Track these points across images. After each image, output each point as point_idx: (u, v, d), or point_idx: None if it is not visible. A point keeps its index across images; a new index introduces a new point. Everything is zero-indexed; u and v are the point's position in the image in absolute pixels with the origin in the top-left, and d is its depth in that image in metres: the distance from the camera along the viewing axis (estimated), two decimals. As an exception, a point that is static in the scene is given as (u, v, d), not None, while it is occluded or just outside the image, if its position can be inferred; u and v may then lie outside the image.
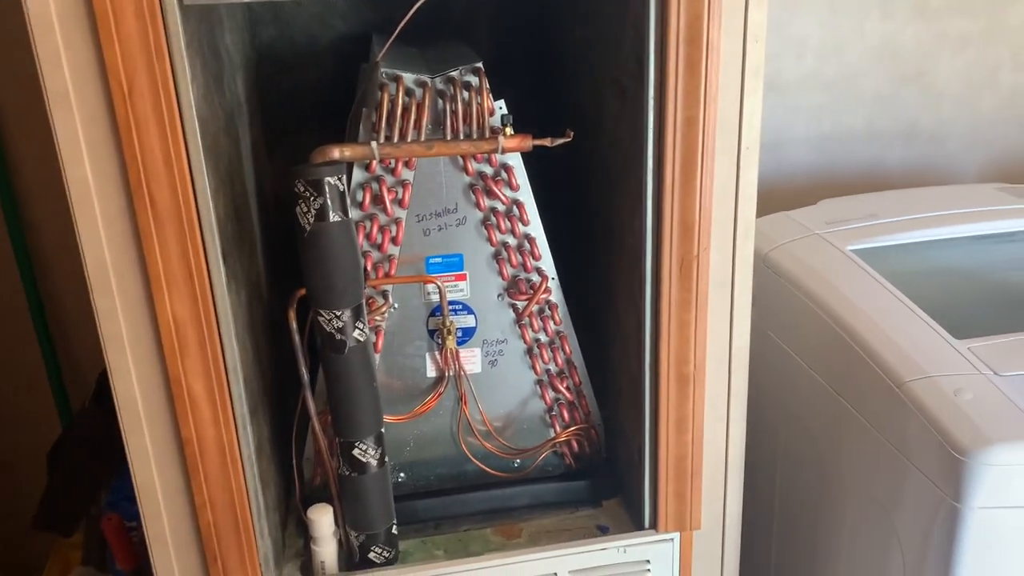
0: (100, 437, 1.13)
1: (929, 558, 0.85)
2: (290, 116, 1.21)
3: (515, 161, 0.91)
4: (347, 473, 0.88)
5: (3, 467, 1.42)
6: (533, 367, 0.99)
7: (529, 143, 0.87)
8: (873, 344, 0.89)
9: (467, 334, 0.97)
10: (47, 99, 0.69)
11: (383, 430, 0.89)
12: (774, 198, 1.32)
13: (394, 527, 0.92)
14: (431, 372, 0.98)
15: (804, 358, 0.99)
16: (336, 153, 0.82)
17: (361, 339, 0.84)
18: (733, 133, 0.81)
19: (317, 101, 1.20)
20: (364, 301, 0.85)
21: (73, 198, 0.72)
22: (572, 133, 0.87)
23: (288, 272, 1.11)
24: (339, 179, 0.80)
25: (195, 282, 0.76)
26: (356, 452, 0.87)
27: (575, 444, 1.02)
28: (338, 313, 0.82)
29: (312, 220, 0.79)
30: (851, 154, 1.46)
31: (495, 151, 0.86)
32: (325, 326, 0.83)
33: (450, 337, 0.95)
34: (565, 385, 1.00)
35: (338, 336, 0.83)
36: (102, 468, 1.13)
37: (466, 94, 0.87)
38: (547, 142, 0.87)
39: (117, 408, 0.80)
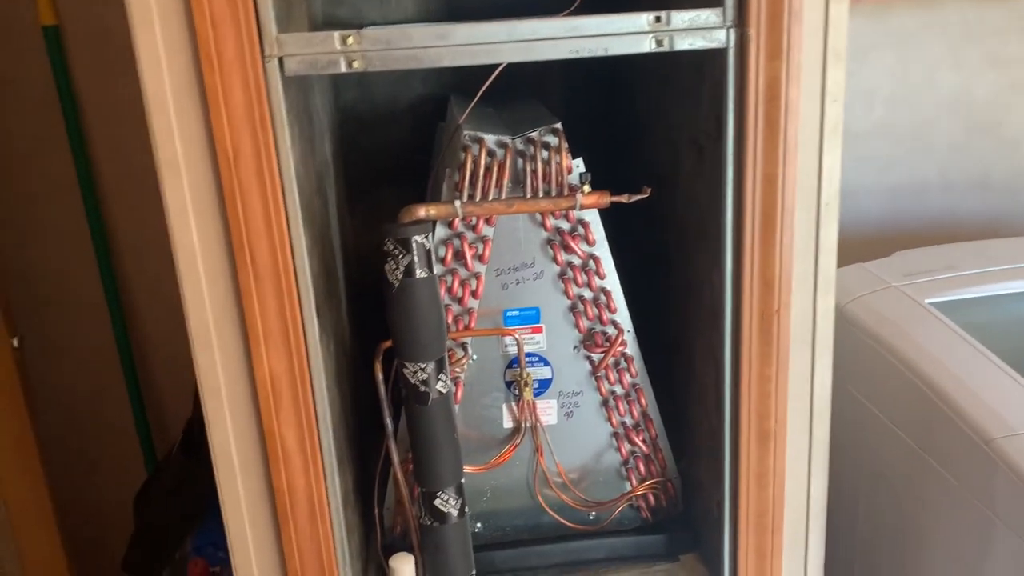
0: (186, 485, 1.17)
1: (1022, 620, 0.83)
2: (369, 174, 1.26)
3: (592, 216, 0.94)
4: (429, 523, 0.90)
5: (91, 513, 1.48)
6: (609, 419, 1.00)
7: (607, 200, 0.89)
8: (958, 400, 0.88)
9: (543, 386, 0.99)
10: (159, 168, 0.73)
11: (463, 480, 0.91)
12: (846, 249, 1.31)
13: (473, 577, 0.93)
14: (507, 423, 1.00)
15: (885, 413, 0.98)
16: (422, 212, 0.86)
17: (444, 391, 0.87)
18: (812, 189, 0.82)
19: (395, 159, 1.25)
20: (446, 354, 0.87)
21: (180, 262, 0.76)
22: (649, 190, 0.89)
23: (367, 325, 1.15)
24: (426, 237, 0.83)
25: (291, 337, 0.79)
26: (438, 502, 0.89)
27: (651, 498, 1.02)
28: (423, 366, 0.85)
29: (400, 276, 0.82)
30: (924, 205, 1.46)
31: (573, 207, 0.89)
32: (410, 378, 0.86)
33: (527, 389, 0.97)
34: (641, 438, 1.00)
35: (422, 388, 0.86)
36: (188, 514, 1.17)
37: (545, 153, 0.90)
38: (624, 198, 0.89)
39: (213, 458, 0.83)
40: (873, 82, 1.38)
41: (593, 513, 1.02)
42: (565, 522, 1.01)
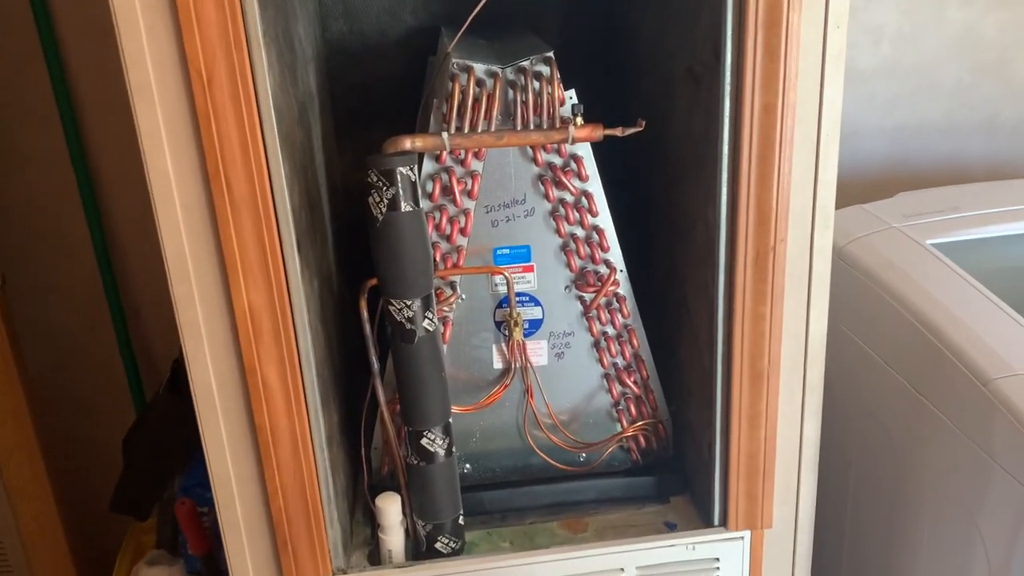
0: (174, 424, 1.15)
1: (1016, 560, 0.81)
2: (358, 110, 1.22)
3: (584, 151, 0.90)
4: (415, 462, 0.89)
5: (79, 452, 1.47)
6: (600, 360, 0.98)
7: (600, 132, 0.86)
8: (957, 340, 0.86)
9: (534, 326, 0.97)
10: (130, 91, 0.70)
11: (451, 420, 0.89)
12: (848, 189, 1.28)
13: (461, 517, 0.92)
14: (497, 364, 0.98)
15: (882, 354, 0.96)
16: (408, 143, 0.83)
17: (430, 329, 0.85)
18: (812, 121, 0.79)
19: (385, 94, 1.21)
20: (433, 292, 0.85)
21: (154, 188, 0.74)
22: (644, 122, 0.86)
23: (354, 263, 1.12)
24: (411, 169, 0.80)
25: (270, 270, 0.77)
26: (424, 441, 0.88)
27: (642, 439, 1.01)
28: (408, 303, 0.83)
29: (384, 210, 0.79)
30: (928, 146, 1.42)
31: (566, 141, 0.86)
32: (395, 315, 0.83)
33: (517, 329, 0.95)
34: (632, 379, 0.99)
35: (408, 325, 0.83)
36: (176, 454, 1.16)
37: (536, 84, 0.86)
38: (618, 132, 0.86)
39: (193, 396, 0.81)
40: (881, 18, 1.34)
41: (583, 455, 1.01)
42: (554, 463, 1.00)
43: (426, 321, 0.84)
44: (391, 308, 0.83)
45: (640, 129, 0.86)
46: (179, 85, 0.70)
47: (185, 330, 0.79)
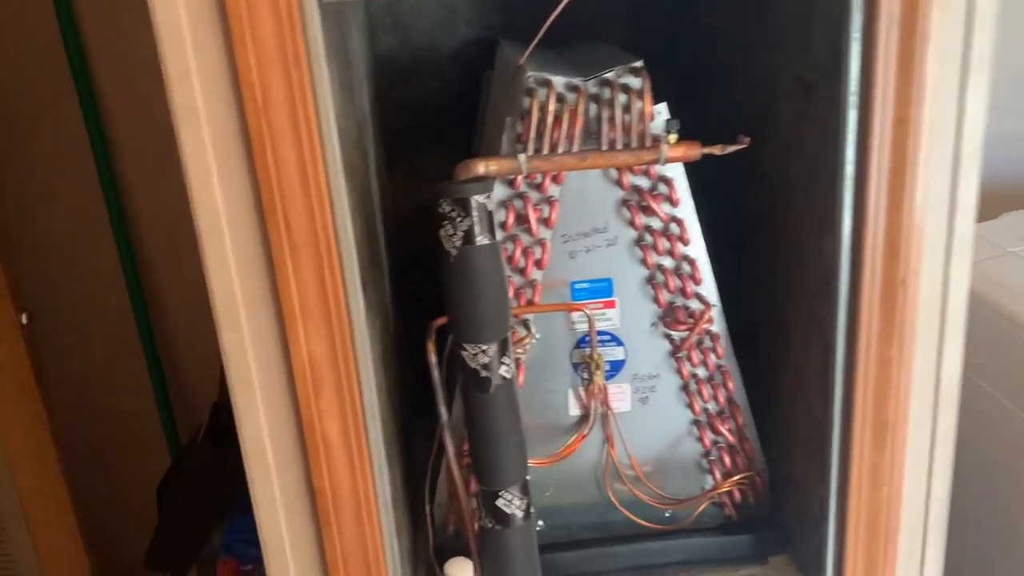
0: (214, 476, 1.06)
1: None
2: (408, 129, 1.14)
3: (676, 172, 0.81)
4: (489, 525, 0.79)
5: (111, 499, 1.38)
6: (690, 405, 0.88)
7: (698, 151, 0.76)
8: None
9: (615, 368, 0.87)
10: (173, 114, 0.61)
11: (528, 477, 0.79)
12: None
13: (540, 586, 0.82)
14: (574, 410, 0.88)
15: (1013, 401, 0.85)
16: (481, 168, 0.73)
17: (508, 376, 0.75)
18: (950, 135, 0.69)
19: (438, 113, 1.13)
20: (510, 334, 0.75)
21: (200, 225, 0.65)
22: (748, 140, 0.76)
23: (408, 298, 1.03)
24: (487, 198, 0.70)
25: (332, 316, 0.68)
26: (500, 502, 0.78)
27: (736, 493, 0.90)
28: (484, 348, 0.73)
29: (459, 244, 0.70)
30: (1018, 159, 1.31)
31: (658, 161, 0.76)
32: (469, 361, 0.74)
33: (598, 372, 0.85)
34: (727, 427, 0.88)
35: (483, 373, 0.74)
36: (216, 507, 1.06)
37: (624, 98, 0.77)
38: (717, 150, 0.76)
39: (243, 455, 0.72)
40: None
41: (669, 511, 0.90)
42: (638, 520, 0.90)
43: (503, 367, 0.74)
44: (464, 353, 0.74)
45: (744, 146, 0.76)
46: (230, 107, 0.61)
47: (235, 384, 0.69)
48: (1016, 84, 1.28)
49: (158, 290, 1.30)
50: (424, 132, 1.14)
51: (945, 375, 0.75)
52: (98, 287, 1.28)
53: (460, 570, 0.81)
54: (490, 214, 0.71)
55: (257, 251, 0.66)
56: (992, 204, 1.14)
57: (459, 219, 0.69)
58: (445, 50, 1.12)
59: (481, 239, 0.70)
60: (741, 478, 0.89)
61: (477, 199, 0.70)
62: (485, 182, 0.71)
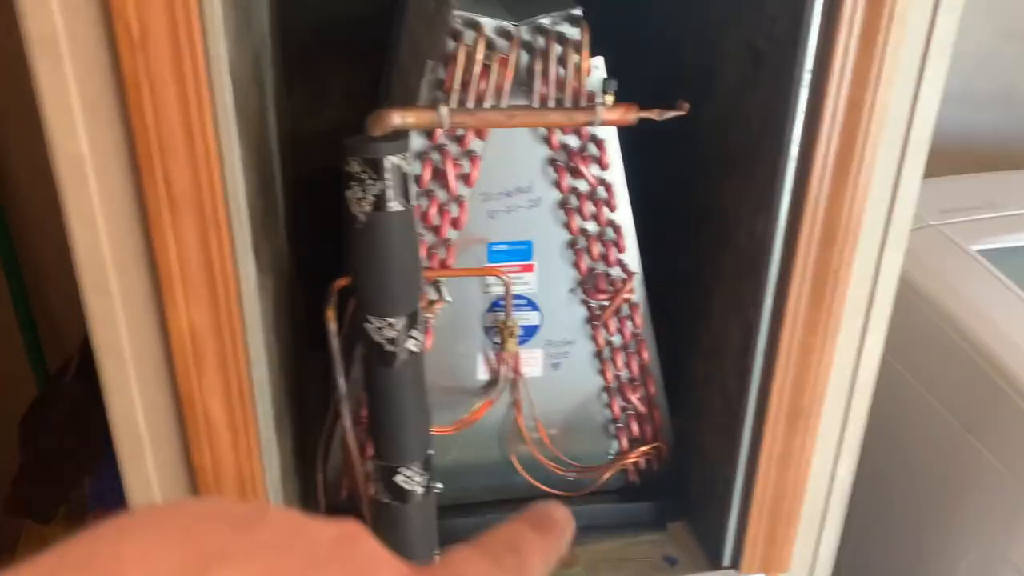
0: (83, 414, 0.97)
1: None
2: (311, 44, 1.02)
3: (608, 134, 0.74)
4: (386, 501, 0.74)
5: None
6: (603, 372, 0.84)
7: (635, 115, 0.69)
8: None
9: (529, 333, 0.82)
10: (28, 48, 0.50)
11: (431, 452, 0.74)
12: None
13: (436, 558, 0.79)
14: (483, 375, 0.83)
15: (925, 384, 0.85)
16: (397, 120, 0.65)
17: (415, 349, 0.69)
18: (902, 122, 0.65)
19: (348, 27, 1.01)
20: (420, 305, 0.69)
21: (62, 174, 0.54)
22: (687, 106, 0.70)
23: (301, 230, 0.94)
24: (403, 158, 0.62)
25: (218, 282, 0.59)
26: (400, 479, 0.73)
27: (642, 461, 0.88)
28: (391, 321, 0.66)
29: (368, 209, 0.62)
30: (941, 117, 1.29)
31: (592, 123, 0.69)
32: (373, 335, 0.67)
33: (511, 339, 0.80)
34: (638, 395, 0.85)
35: (388, 347, 0.67)
36: (86, 450, 0.98)
37: (559, 49, 0.69)
38: (655, 115, 0.70)
39: (113, 430, 0.64)
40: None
41: (573, 474, 0.88)
42: (539, 484, 0.87)
43: (410, 342, 0.68)
44: (368, 326, 0.67)
45: (683, 113, 0.70)
46: (100, 43, 0.51)
47: (103, 354, 0.61)
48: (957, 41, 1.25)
49: (22, 203, 1.17)
50: (330, 49, 1.02)
51: (864, 365, 0.74)
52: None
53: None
54: (405, 176, 0.63)
55: (130, 207, 0.57)
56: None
57: (370, 181, 0.61)
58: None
59: (394, 204, 0.63)
60: (647, 449, 0.86)
61: (391, 159, 0.62)
62: (400, 140, 0.63)
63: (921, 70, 0.63)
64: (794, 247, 0.67)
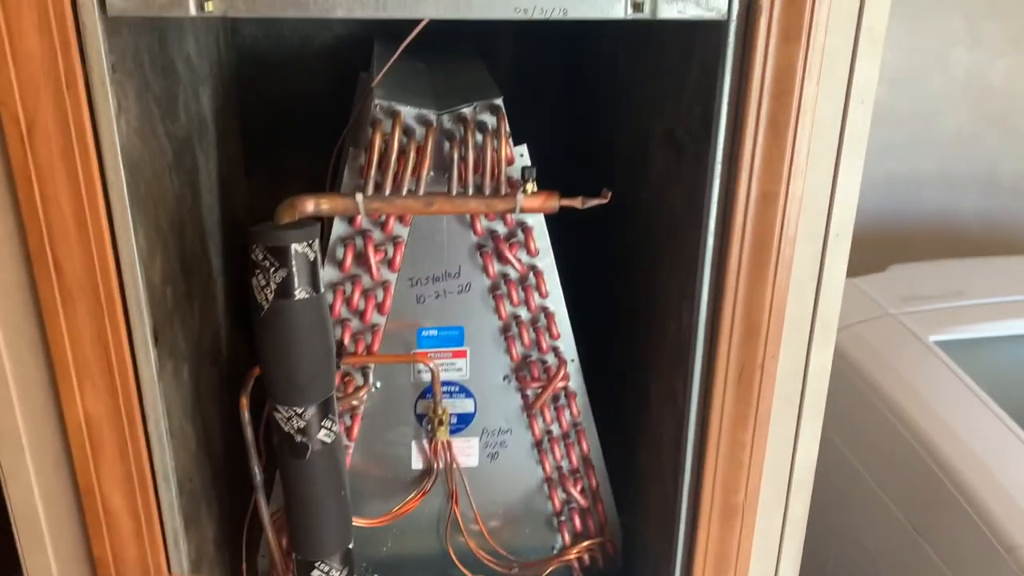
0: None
1: None
2: (273, 127, 1.04)
3: (535, 220, 0.73)
4: (306, 595, 0.71)
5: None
6: (541, 463, 0.82)
7: (555, 203, 0.69)
8: (975, 488, 0.71)
9: (464, 421, 0.80)
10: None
11: (351, 545, 0.72)
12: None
13: (361, 656, 0.76)
14: (417, 464, 0.81)
15: (876, 478, 0.81)
16: (311, 206, 0.65)
17: (328, 440, 0.67)
18: (821, 214, 0.63)
19: (310, 111, 1.03)
20: (334, 393, 0.67)
21: (-48, 263, 0.55)
22: (610, 194, 0.69)
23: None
24: (310, 244, 0.62)
25: (115, 371, 0.59)
26: (316, 574, 0.70)
27: (585, 557, 0.85)
28: (299, 411, 0.65)
29: (271, 296, 0.61)
30: (921, 200, 1.28)
31: (512, 211, 0.68)
32: (283, 425, 0.66)
33: (442, 428, 0.78)
34: (579, 488, 0.82)
35: (299, 438, 0.66)
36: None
37: (480, 136, 0.69)
38: (577, 203, 0.69)
39: (12, 520, 0.63)
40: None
41: (516, 569, 0.84)
42: (481, 579, 0.84)
43: (322, 432, 0.66)
44: (278, 415, 0.66)
45: (604, 201, 0.69)
46: (-18, 135, 0.51)
47: (2, 443, 0.60)
48: (912, 121, 1.24)
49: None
50: (291, 132, 1.04)
51: (799, 463, 0.71)
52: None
53: (273, 638, 0.74)
54: (313, 263, 0.63)
55: (25, 297, 0.56)
56: (882, 243, 1.11)
57: (272, 269, 0.61)
58: (317, 44, 1.02)
59: (300, 292, 0.62)
60: (590, 544, 0.83)
61: (296, 247, 0.61)
62: (308, 228, 0.62)
63: (837, 162, 0.61)
64: (716, 339, 0.65)
